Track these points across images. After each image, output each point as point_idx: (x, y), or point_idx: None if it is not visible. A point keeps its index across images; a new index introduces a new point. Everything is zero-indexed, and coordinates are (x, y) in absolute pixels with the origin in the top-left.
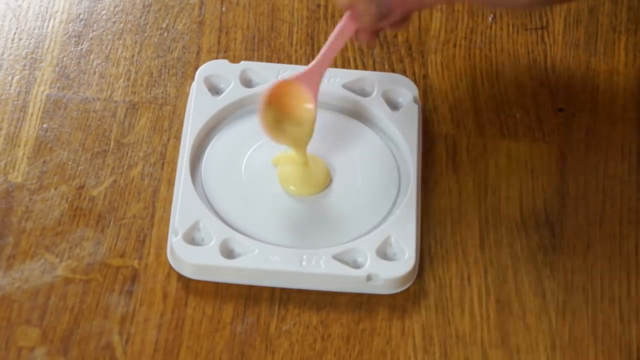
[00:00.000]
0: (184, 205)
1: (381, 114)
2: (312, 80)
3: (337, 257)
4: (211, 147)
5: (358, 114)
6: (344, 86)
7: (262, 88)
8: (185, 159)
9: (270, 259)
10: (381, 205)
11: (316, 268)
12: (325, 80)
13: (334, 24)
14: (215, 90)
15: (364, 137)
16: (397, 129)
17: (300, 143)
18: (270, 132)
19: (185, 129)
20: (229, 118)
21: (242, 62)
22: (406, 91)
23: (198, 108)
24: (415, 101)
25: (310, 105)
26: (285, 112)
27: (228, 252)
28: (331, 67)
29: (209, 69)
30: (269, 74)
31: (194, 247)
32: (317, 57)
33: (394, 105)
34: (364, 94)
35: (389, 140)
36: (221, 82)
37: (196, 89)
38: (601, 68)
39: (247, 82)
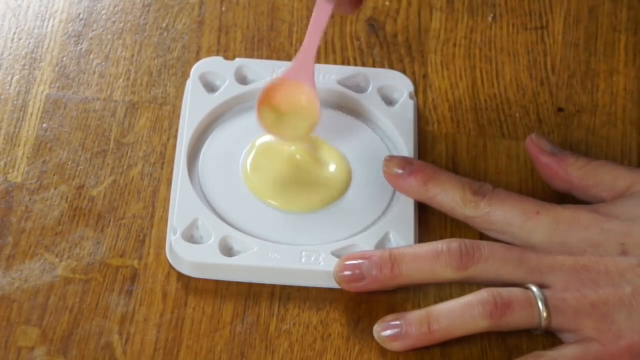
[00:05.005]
0: (182, 204)
1: (377, 110)
2: (304, 70)
3: (337, 254)
4: (208, 145)
5: (353, 111)
6: (339, 83)
7: (258, 85)
8: (182, 157)
9: (270, 256)
10: (379, 201)
11: (316, 265)
12: (320, 77)
13: (334, 24)
14: (210, 88)
15: (360, 134)
16: (393, 125)
17: (303, 135)
18: (272, 130)
19: (181, 127)
20: (225, 115)
21: (237, 60)
22: (402, 87)
23: (194, 106)
24: (411, 97)
25: (308, 96)
26: (284, 109)
27: (227, 250)
28: (327, 64)
29: (204, 66)
30: (265, 71)
31: (193, 245)
32: (301, 48)
33: (389, 101)
34: (359, 90)
35: (385, 136)
36: (217, 79)
37: (192, 86)
38: (601, 68)
39: (242, 80)
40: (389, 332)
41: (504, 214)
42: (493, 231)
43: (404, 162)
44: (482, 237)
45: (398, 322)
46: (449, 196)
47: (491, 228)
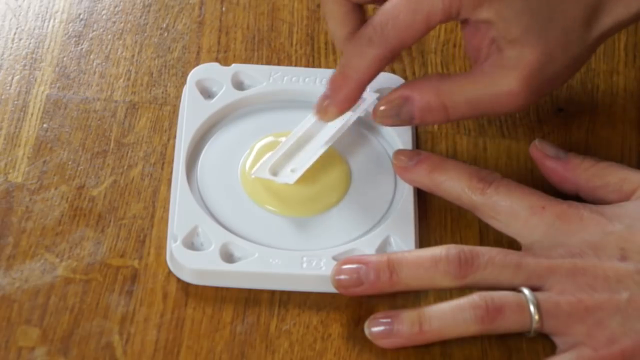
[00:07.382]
0: (181, 211)
1: None
2: None
3: (338, 258)
4: (206, 151)
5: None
6: None
7: (255, 90)
8: (180, 164)
9: (270, 262)
10: (379, 204)
11: (317, 269)
12: (316, 82)
13: None
14: (207, 94)
15: (358, 137)
16: (391, 127)
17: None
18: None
19: (179, 133)
20: (222, 121)
21: (234, 65)
22: None
23: (191, 112)
24: None
25: None
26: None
27: (228, 257)
28: (327, 65)
29: (200, 72)
30: (261, 76)
31: (194, 252)
32: None
33: None
34: None
35: (383, 139)
36: (213, 85)
37: (188, 93)
38: (601, 68)
39: (239, 85)
40: (379, 329)
41: (510, 204)
42: (497, 221)
43: (412, 153)
44: (482, 238)
45: (389, 320)
46: (456, 182)
47: (496, 217)
